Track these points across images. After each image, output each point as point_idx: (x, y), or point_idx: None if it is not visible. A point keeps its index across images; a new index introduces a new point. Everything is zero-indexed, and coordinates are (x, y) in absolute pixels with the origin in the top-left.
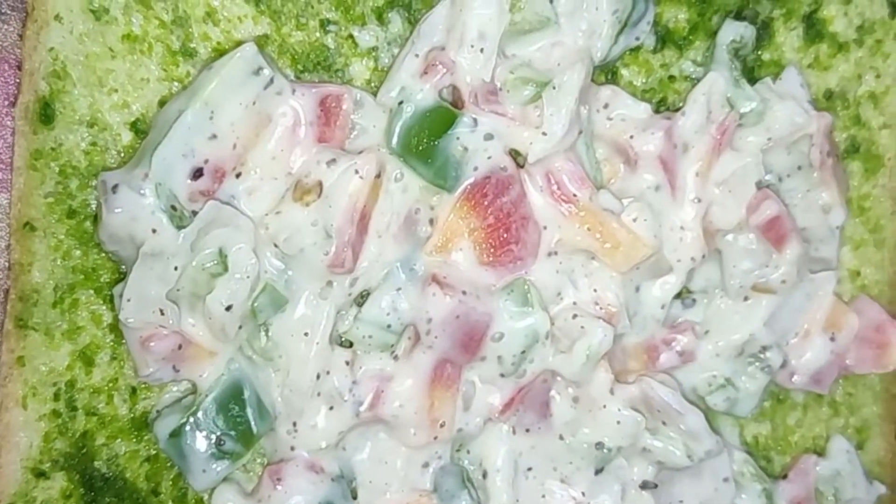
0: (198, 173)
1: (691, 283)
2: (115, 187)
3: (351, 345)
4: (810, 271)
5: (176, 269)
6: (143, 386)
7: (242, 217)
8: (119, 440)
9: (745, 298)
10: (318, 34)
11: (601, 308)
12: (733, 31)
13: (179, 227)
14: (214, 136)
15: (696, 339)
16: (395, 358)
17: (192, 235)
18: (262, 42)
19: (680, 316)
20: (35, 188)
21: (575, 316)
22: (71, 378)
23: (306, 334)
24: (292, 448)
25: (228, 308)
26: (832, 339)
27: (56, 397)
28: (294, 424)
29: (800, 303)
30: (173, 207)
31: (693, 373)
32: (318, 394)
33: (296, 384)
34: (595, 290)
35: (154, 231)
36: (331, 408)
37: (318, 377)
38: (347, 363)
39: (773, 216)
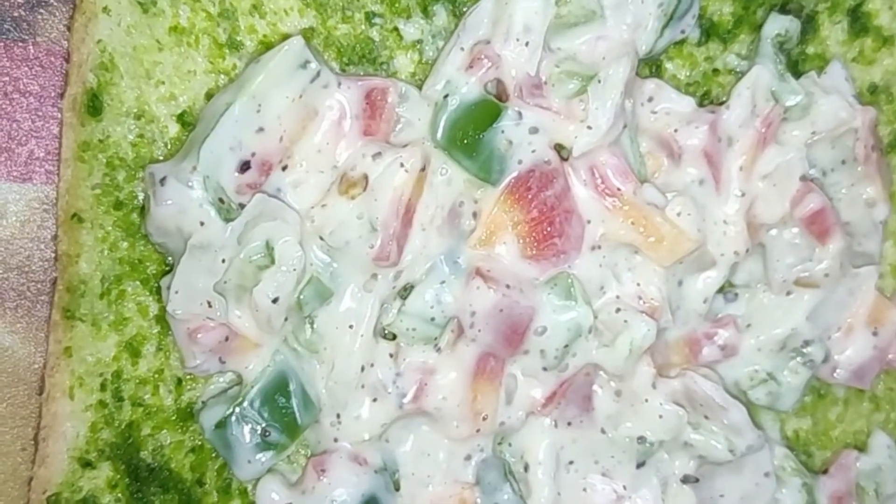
0: (245, 166)
1: (734, 277)
2: (163, 180)
3: (395, 337)
4: (853, 266)
5: (223, 261)
6: (188, 377)
7: (289, 210)
8: (164, 431)
9: (788, 293)
10: (363, 27)
11: (644, 302)
12: (778, 25)
13: (227, 220)
14: (261, 129)
15: (738, 333)
16: (439, 351)
17: (239, 228)
18: (307, 35)
19: (722, 310)
20: (83, 180)
21: (618, 310)
22: (117, 369)
23: (351, 327)
24: (336, 440)
25: (275, 300)
26: (874, 334)
27: (102, 388)
28: (338, 416)
29: (842, 297)
30: (221, 200)
31: (735, 367)
32: (363, 386)
33: (340, 376)
34: (638, 284)
35: (202, 223)
36: (374, 400)
37: (362, 369)
38: (391, 356)
39: (816, 209)
